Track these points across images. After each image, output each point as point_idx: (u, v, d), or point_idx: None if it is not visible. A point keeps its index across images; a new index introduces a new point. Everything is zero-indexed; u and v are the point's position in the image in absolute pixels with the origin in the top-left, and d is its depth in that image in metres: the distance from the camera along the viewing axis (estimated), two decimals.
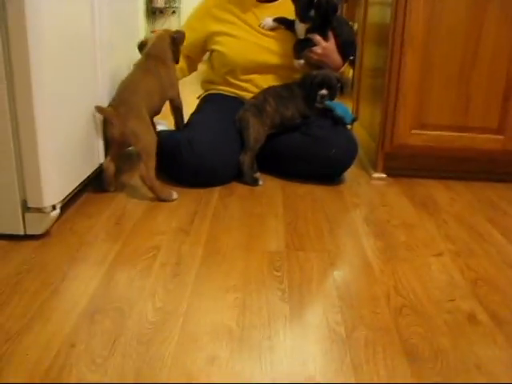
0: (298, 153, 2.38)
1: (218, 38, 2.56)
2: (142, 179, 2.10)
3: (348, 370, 1.22)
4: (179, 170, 2.29)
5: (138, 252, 1.73)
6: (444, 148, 2.45)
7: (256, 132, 2.35)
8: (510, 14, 2.28)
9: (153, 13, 6.52)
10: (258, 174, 2.38)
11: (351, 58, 2.72)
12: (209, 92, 2.69)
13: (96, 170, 2.15)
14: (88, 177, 2.09)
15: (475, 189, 2.45)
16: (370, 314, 1.44)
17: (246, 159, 2.32)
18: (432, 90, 2.38)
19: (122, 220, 1.96)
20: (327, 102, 2.40)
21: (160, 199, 2.12)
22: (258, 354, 1.26)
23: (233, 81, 2.60)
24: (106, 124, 2.09)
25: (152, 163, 2.09)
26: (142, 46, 2.31)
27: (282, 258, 1.72)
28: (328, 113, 2.41)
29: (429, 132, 2.42)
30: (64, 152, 1.84)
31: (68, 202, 1.99)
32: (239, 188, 2.31)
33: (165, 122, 2.73)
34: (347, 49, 2.57)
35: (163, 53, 2.27)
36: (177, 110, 2.41)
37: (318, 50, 2.46)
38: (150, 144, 2.09)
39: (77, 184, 1.99)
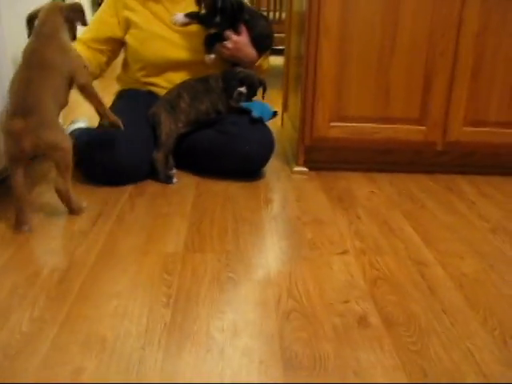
0: (213, 150, 2.30)
1: (132, 30, 2.44)
2: (59, 193, 1.89)
3: (216, 381, 1.17)
4: (93, 168, 2.21)
5: (30, 257, 1.65)
6: (366, 140, 2.40)
7: (168, 128, 2.26)
8: (425, 2, 2.22)
9: (98, 4, 6.38)
10: (173, 172, 2.30)
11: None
12: (124, 88, 2.60)
13: None
14: None
15: (398, 181, 2.40)
16: (256, 320, 1.38)
17: (159, 156, 2.24)
18: (351, 81, 2.31)
19: None
20: (244, 104, 2.33)
21: (73, 212, 1.95)
22: (126, 366, 1.20)
23: (146, 78, 2.51)
24: (11, 139, 1.75)
25: (69, 174, 1.87)
26: (31, 20, 1.92)
27: (177, 260, 1.65)
28: (244, 114, 2.32)
29: (349, 124, 2.36)
30: None
31: None
32: (152, 186, 2.23)
33: (85, 119, 2.64)
34: (262, 42, 2.49)
35: (56, 32, 1.88)
36: (90, 96, 1.97)
37: (228, 44, 2.38)
38: (68, 153, 1.85)
39: None
